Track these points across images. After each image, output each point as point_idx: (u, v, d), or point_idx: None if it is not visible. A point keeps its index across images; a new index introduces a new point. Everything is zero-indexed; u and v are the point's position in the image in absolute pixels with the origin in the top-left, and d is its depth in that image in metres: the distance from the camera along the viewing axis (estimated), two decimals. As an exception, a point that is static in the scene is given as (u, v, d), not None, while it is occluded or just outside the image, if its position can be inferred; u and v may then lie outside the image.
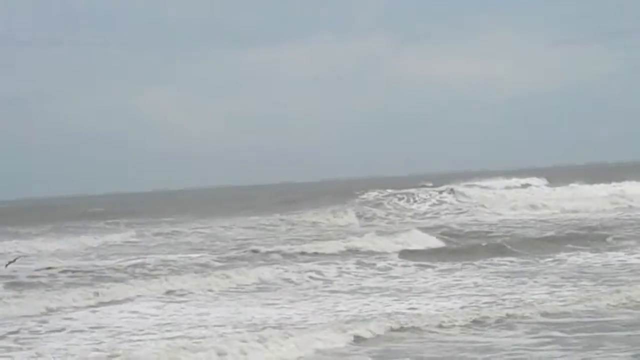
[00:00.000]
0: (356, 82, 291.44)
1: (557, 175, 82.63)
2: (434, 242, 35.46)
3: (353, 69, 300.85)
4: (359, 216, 51.49)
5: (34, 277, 27.31)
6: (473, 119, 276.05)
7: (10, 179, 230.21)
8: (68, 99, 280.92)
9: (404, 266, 28.36)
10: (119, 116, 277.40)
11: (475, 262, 28.32)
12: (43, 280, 26.83)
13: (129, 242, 41.72)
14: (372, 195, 60.03)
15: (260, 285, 25.20)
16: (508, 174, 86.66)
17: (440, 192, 58.58)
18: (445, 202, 55.68)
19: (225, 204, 79.15)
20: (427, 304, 20.73)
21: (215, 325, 18.86)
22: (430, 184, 72.59)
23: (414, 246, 33.61)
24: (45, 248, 38.97)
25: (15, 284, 25.98)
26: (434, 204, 55.56)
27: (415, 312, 19.69)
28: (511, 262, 28.38)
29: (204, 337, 17.20)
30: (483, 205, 53.65)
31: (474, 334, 17.39)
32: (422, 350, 16.18)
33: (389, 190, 60.55)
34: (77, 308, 21.93)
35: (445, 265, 27.99)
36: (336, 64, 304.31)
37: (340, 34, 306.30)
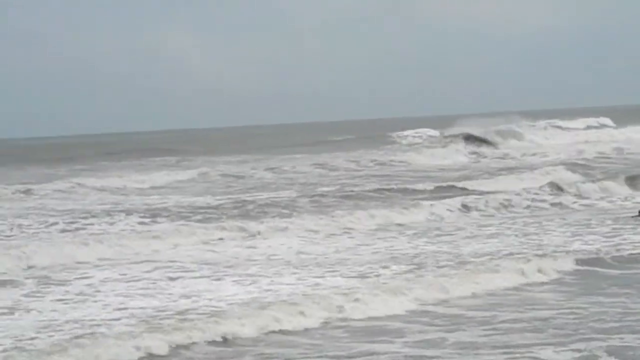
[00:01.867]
0: (373, 23, 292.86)
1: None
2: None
3: (370, 11, 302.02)
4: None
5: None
6: (481, 60, 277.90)
7: (19, 116, 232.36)
8: (82, 37, 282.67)
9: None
10: (134, 55, 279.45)
11: None
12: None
13: (206, 181, 40.29)
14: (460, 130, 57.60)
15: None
16: (526, 114, 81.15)
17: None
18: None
19: (257, 143, 76.89)
20: None
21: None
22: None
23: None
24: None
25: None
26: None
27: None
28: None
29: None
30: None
31: None
32: None
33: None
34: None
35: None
36: (352, 6, 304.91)
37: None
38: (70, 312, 14.94)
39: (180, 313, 14.50)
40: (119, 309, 15.04)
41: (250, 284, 16.89)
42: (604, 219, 24.49)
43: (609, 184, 30.81)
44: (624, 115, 77.64)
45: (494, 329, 13.49)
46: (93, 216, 26.85)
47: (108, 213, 27.35)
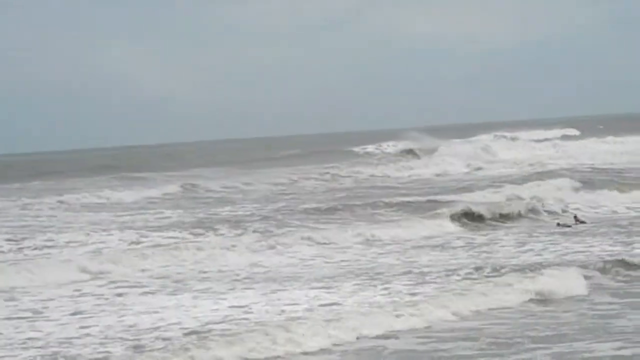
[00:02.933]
0: (333, 35, 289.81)
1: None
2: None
3: (331, 21, 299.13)
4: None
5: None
6: (451, 72, 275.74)
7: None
8: (37, 53, 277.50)
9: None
10: (87, 71, 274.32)
11: None
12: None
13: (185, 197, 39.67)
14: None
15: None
16: (492, 126, 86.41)
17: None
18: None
19: (227, 157, 77.20)
20: None
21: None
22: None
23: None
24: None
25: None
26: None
27: None
28: None
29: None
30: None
31: None
32: None
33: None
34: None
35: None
36: (315, 17, 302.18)
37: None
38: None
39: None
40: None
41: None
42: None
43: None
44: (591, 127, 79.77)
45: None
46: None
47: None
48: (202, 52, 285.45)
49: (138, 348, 13.79)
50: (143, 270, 20.88)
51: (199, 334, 14.33)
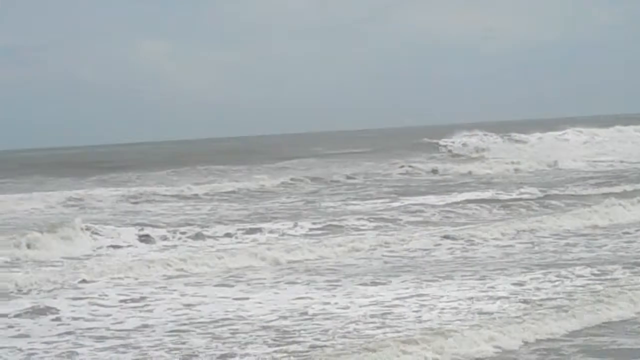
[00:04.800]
0: (354, 33, 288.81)
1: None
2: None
3: (351, 19, 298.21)
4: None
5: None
6: (470, 70, 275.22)
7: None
8: (64, 48, 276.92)
9: None
10: (114, 67, 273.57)
11: None
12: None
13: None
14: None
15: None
16: (505, 125, 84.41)
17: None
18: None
19: (260, 155, 75.37)
20: None
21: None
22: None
23: None
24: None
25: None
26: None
27: None
28: None
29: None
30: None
31: None
32: None
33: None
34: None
35: None
36: (334, 14, 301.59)
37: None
38: None
39: None
40: None
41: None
42: None
43: None
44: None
45: None
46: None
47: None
48: (231, 47, 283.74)
49: None
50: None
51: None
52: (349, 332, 13.02)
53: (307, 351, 12.07)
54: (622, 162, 48.84)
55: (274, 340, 12.79)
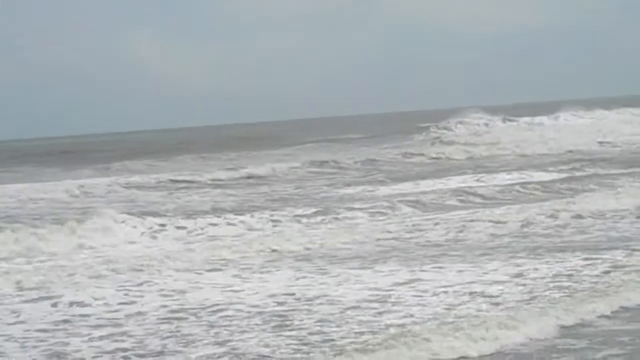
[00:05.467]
0: (341, 21, 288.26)
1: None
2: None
3: (339, 8, 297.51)
4: None
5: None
6: (457, 56, 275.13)
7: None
8: (49, 37, 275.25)
9: None
10: (100, 55, 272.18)
11: None
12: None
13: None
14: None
15: None
16: (494, 109, 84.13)
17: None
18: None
19: (262, 141, 74.53)
20: None
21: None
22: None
23: None
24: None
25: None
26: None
27: None
28: None
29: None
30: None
31: None
32: None
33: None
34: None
35: None
36: (323, 3, 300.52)
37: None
38: None
39: None
40: None
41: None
42: None
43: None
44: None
45: None
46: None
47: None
48: (215, 37, 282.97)
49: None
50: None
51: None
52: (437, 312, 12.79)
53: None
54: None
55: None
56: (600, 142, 49.26)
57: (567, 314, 12.27)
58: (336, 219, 23.44)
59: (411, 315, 12.64)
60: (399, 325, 11.99)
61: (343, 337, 11.60)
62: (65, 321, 13.26)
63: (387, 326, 12.05)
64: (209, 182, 36.30)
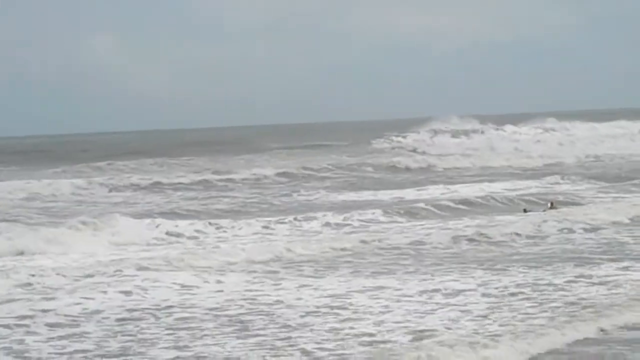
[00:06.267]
0: (302, 31, 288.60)
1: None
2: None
3: (300, 18, 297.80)
4: None
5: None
6: (418, 69, 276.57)
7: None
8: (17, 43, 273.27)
9: None
10: (64, 61, 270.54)
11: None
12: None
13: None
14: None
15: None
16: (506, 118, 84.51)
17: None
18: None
19: (224, 146, 75.94)
20: None
21: None
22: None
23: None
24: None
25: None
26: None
27: None
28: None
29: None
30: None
31: None
32: None
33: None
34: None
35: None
36: (283, 13, 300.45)
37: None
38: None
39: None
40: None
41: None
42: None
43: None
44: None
45: None
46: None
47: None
48: (183, 43, 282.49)
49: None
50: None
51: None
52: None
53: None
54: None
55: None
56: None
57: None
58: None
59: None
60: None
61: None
62: None
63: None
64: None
